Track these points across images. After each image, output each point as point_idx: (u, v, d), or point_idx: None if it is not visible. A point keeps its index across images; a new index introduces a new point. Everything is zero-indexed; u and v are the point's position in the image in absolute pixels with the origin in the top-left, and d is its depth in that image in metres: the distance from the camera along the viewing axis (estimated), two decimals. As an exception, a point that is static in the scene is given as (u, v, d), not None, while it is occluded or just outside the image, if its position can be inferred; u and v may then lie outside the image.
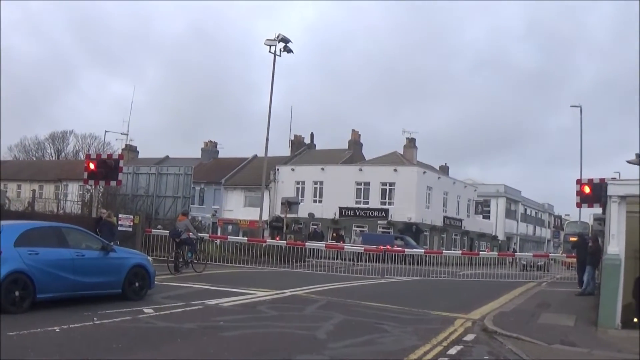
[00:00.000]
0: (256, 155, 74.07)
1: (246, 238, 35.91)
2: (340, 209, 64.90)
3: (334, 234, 54.31)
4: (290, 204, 44.73)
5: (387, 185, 64.54)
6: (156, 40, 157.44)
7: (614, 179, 23.33)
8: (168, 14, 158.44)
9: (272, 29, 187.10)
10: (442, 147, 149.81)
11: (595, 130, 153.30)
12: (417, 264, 34.04)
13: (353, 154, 72.92)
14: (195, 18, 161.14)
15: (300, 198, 60.13)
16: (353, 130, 75.75)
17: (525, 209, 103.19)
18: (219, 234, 54.70)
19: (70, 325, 11.80)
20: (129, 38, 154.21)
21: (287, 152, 74.77)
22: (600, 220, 25.40)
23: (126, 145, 74.62)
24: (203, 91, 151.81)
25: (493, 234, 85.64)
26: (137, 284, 16.48)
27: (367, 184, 65.30)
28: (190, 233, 25.89)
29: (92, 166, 29.52)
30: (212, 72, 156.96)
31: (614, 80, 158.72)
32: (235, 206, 70.73)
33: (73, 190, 51.22)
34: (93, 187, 31.25)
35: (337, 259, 34.56)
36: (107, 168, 29.25)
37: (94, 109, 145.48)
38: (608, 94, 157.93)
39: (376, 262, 32.82)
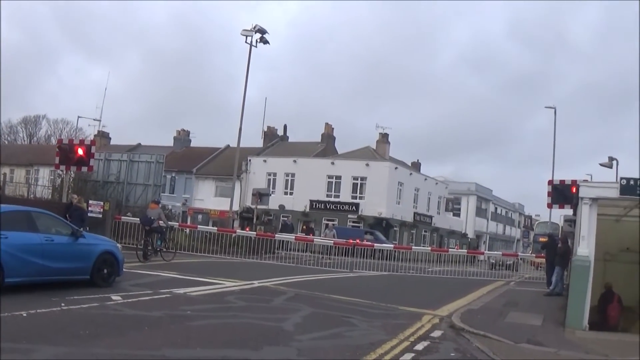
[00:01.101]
0: (228, 146, 73.79)
1: (216, 228, 35.81)
2: (311, 201, 64.89)
3: (304, 227, 54.30)
4: (261, 195, 44.67)
5: (359, 179, 64.62)
6: (138, 28, 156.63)
7: (585, 181, 23.47)
8: (152, 2, 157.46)
9: (254, 22, 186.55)
10: (419, 144, 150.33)
11: (573, 132, 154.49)
12: (386, 259, 34.08)
13: (326, 147, 72.87)
14: (178, 8, 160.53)
15: (271, 189, 60.03)
16: (326, 124, 75.70)
17: (496, 208, 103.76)
18: (188, 223, 54.56)
19: (38, 310, 11.76)
20: (110, 25, 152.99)
21: (260, 143, 74.62)
22: (571, 221, 25.62)
23: (99, 131, 73.94)
24: (182, 81, 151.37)
25: (463, 231, 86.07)
26: (105, 271, 16.46)
27: (338, 177, 65.35)
28: (161, 221, 25.86)
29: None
30: (192, 63, 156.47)
31: (594, 84, 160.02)
32: (206, 196, 70.45)
33: (44, 175, 50.84)
34: (64, 172, 31.07)
35: (306, 251, 34.58)
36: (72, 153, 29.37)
37: (72, 95, 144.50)
38: (587, 97, 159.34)
39: (345, 256, 32.90)
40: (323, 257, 33.28)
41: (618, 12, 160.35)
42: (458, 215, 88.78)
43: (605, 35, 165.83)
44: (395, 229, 65.07)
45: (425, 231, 73.80)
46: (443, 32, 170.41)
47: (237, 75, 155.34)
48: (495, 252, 44.40)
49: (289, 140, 78.37)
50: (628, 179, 16.14)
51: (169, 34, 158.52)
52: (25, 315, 11.32)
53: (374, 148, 70.54)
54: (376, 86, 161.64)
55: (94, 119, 67.31)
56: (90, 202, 28.90)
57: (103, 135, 76.33)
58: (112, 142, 79.04)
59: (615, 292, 21.84)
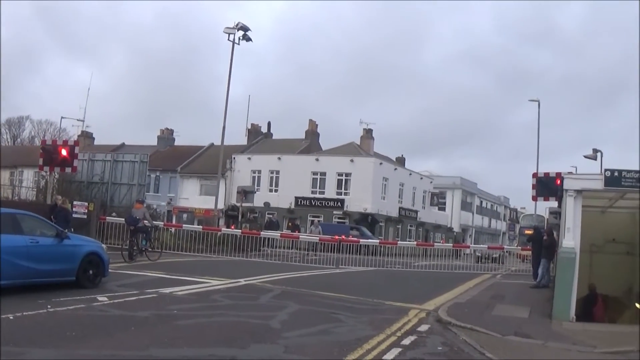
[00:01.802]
0: (213, 144, 73.70)
1: (201, 227, 35.76)
2: (296, 198, 64.88)
3: (290, 224, 54.22)
4: (246, 193, 44.61)
5: (344, 175, 64.66)
6: (123, 27, 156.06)
7: (570, 173, 23.58)
8: (137, 2, 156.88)
9: (240, 19, 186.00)
10: (405, 139, 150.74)
11: (559, 125, 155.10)
12: (372, 255, 34.17)
13: (310, 144, 72.91)
14: (163, 7, 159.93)
15: (256, 187, 59.86)
16: (310, 120, 75.74)
17: (481, 202, 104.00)
18: (174, 222, 54.47)
19: (24, 313, 11.74)
20: (95, 24, 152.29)
21: (244, 141, 74.49)
22: (556, 213, 25.72)
23: (82, 131, 73.71)
24: (167, 80, 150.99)
25: (448, 225, 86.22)
26: (91, 272, 16.45)
27: (323, 174, 65.37)
28: (146, 221, 25.84)
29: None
30: (178, 61, 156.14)
31: (579, 77, 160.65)
32: (191, 194, 70.32)
33: (28, 176, 50.59)
34: (48, 173, 30.99)
35: (292, 248, 34.55)
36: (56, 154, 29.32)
37: (56, 95, 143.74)
38: (572, 91, 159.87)
39: (331, 252, 32.92)
40: (309, 254, 33.28)
41: (603, 6, 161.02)
42: (443, 209, 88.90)
43: (590, 29, 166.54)
44: (380, 224, 65.18)
45: (410, 226, 73.88)
46: (429, 28, 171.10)
47: (223, 74, 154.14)
48: (481, 246, 44.54)
49: (273, 137, 78.32)
50: (612, 171, 16.24)
51: (155, 33, 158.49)
52: (12, 318, 11.28)
53: (358, 144, 70.61)
54: (362, 82, 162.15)
55: (78, 120, 67.28)
56: (75, 203, 28.84)
57: (87, 136, 75.99)
58: (96, 142, 78.62)
59: (598, 293, 22.01)
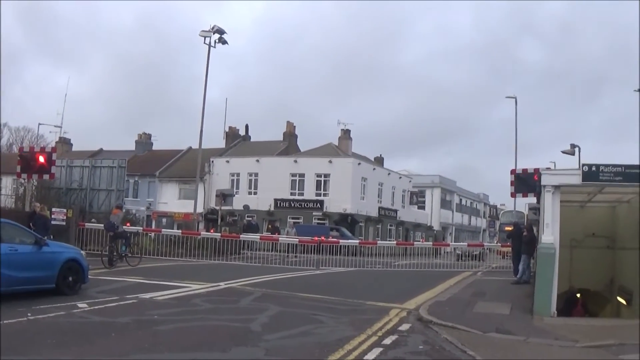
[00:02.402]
0: (191, 147, 73.53)
1: (180, 231, 35.73)
2: (276, 200, 64.78)
3: (269, 226, 54.23)
4: (224, 196, 44.56)
5: (322, 176, 64.65)
6: (101, 31, 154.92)
7: (548, 168, 23.74)
8: (116, 4, 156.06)
9: (218, 22, 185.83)
10: (385, 139, 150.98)
11: (538, 121, 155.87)
12: (352, 255, 34.24)
13: (288, 145, 72.89)
14: (142, 9, 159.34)
15: (235, 190, 60.00)
16: (288, 122, 75.74)
17: (461, 199, 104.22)
18: (153, 227, 54.36)
19: (4, 321, 11.69)
20: (73, 28, 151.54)
21: (222, 144, 74.41)
22: (535, 209, 25.86)
23: (60, 137, 73.42)
24: (145, 84, 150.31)
25: (428, 224, 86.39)
26: (70, 279, 16.44)
27: (302, 175, 65.31)
28: (125, 226, 25.82)
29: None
30: (156, 65, 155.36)
31: (558, 73, 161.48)
32: (170, 199, 70.12)
33: (7, 184, 50.36)
34: (26, 180, 30.87)
35: (272, 250, 34.59)
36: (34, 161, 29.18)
37: (36, 101, 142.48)
38: (551, 87, 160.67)
39: (311, 253, 32.97)
40: (289, 256, 33.32)
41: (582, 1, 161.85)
42: (423, 208, 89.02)
43: (570, 25, 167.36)
44: (360, 224, 65.18)
45: (390, 225, 74.00)
46: (408, 26, 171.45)
47: (201, 76, 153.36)
48: (461, 243, 44.63)
49: (251, 139, 78.26)
50: (590, 165, 16.38)
51: (133, 36, 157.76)
52: (-9, 326, 11.26)
53: (337, 145, 70.68)
54: (341, 82, 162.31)
55: (55, 126, 67.04)
56: (54, 209, 28.75)
57: (64, 142, 75.66)
58: (74, 149, 78.21)
59: (578, 297, 22.20)
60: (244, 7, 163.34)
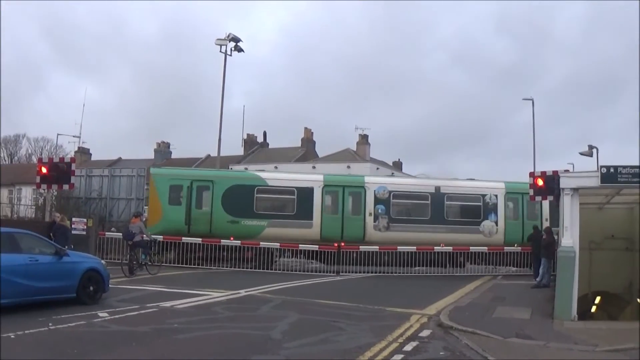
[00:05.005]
0: (209, 155, 73.42)
1: (200, 239, 35.71)
2: (295, 207, 64.52)
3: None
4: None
5: (341, 182, 64.35)
6: (124, 41, 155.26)
7: (567, 171, 23.64)
8: (141, 15, 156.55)
9: (244, 30, 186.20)
10: (405, 143, 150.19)
11: (558, 124, 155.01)
12: (373, 262, 34.10)
13: (306, 151, 72.73)
14: (166, 19, 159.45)
15: (253, 197, 59.96)
16: (306, 128, 75.55)
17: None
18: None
19: (25, 331, 11.78)
20: (97, 38, 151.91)
21: (240, 151, 74.41)
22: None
23: (79, 147, 73.68)
24: (167, 93, 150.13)
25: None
26: (91, 288, 16.49)
27: (321, 181, 65.05)
28: (144, 235, 25.84)
29: (44, 170, 29.34)
30: (180, 75, 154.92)
31: (578, 76, 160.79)
32: (189, 207, 69.96)
33: (27, 194, 50.72)
34: (46, 190, 31.02)
35: (292, 257, 34.48)
36: (59, 171, 29.03)
37: (59, 113, 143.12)
38: (571, 89, 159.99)
39: (331, 259, 32.87)
40: (309, 262, 33.26)
41: (602, 5, 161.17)
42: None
43: (590, 29, 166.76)
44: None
45: (410, 230, 73.39)
46: (429, 31, 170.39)
47: (227, 84, 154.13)
48: (481, 248, 44.40)
49: (270, 146, 78.24)
50: (608, 167, 16.29)
51: (157, 45, 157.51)
52: (13, 337, 11.32)
53: (354, 150, 70.55)
54: (359, 88, 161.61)
55: (74, 136, 67.13)
56: (74, 219, 28.87)
57: (83, 152, 75.90)
58: (93, 158, 78.55)
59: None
60: (269, 16, 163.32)
